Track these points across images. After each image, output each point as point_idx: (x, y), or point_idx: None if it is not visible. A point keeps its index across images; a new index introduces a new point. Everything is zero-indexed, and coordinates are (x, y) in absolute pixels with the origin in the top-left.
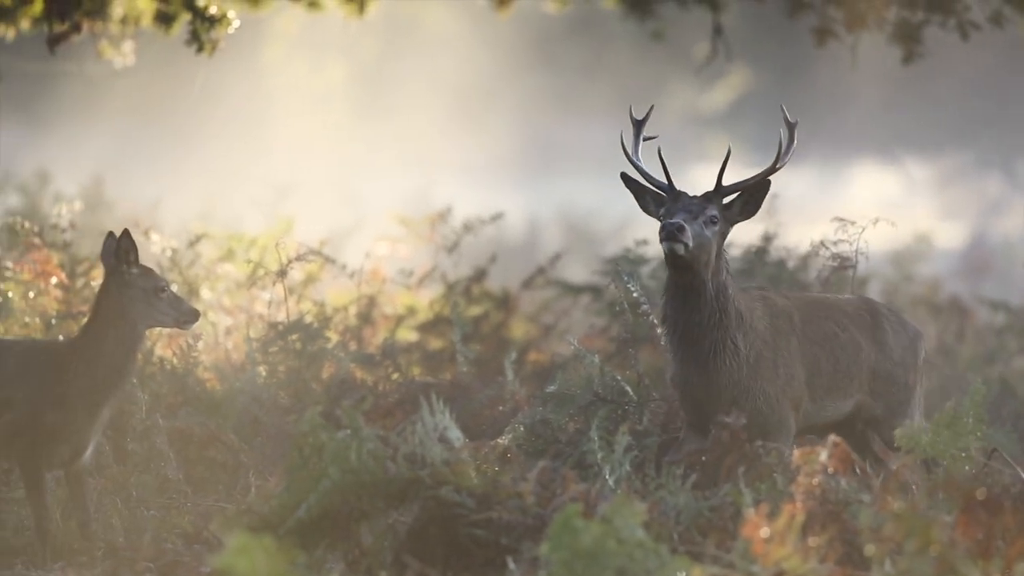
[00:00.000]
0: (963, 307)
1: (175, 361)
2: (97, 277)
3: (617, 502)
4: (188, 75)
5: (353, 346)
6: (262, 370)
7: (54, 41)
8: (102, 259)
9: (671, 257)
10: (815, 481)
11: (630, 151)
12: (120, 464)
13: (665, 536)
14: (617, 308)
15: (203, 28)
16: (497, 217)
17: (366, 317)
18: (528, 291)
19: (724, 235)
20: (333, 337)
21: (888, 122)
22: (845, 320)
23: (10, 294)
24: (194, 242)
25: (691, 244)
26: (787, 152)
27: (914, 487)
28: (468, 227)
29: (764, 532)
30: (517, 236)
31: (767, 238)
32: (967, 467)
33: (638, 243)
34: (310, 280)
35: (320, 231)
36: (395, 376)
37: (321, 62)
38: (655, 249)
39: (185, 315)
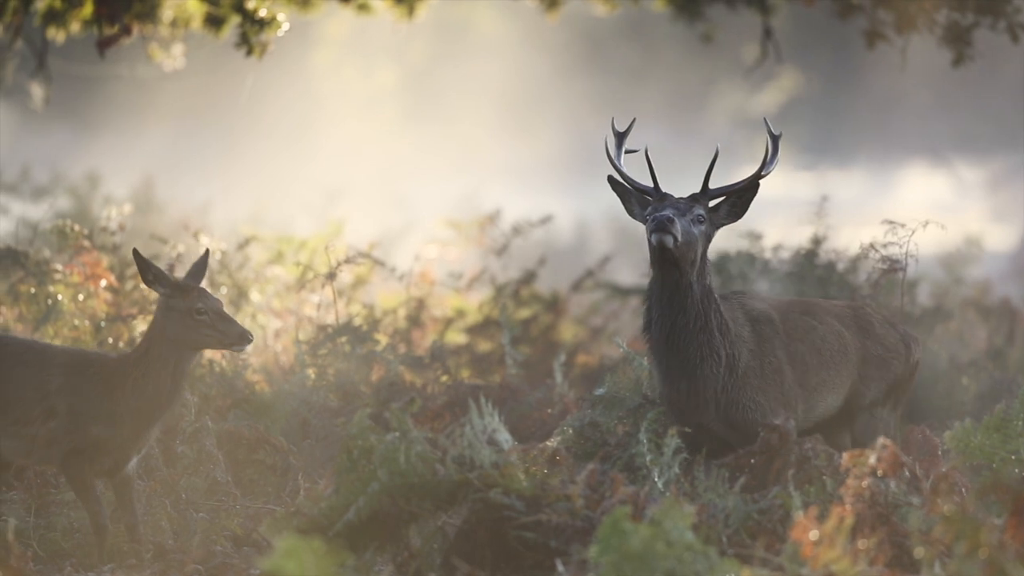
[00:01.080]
0: (1013, 310)
1: (224, 364)
2: None
3: (666, 505)
4: (237, 78)
5: (402, 349)
6: (311, 373)
7: (104, 44)
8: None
9: (659, 251)
10: (864, 484)
11: (613, 159)
12: (169, 467)
13: (714, 539)
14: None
15: (252, 31)
16: (546, 220)
17: (415, 320)
18: (577, 293)
19: (709, 237)
20: (382, 340)
21: (938, 124)
22: (824, 315)
23: (60, 296)
24: (244, 245)
25: (680, 238)
26: (771, 161)
27: (963, 490)
28: (517, 230)
29: (813, 535)
30: (566, 239)
31: (817, 241)
32: (1016, 470)
33: None
34: (359, 283)
35: (370, 234)
36: (444, 378)
37: (371, 66)
38: None
39: (231, 338)
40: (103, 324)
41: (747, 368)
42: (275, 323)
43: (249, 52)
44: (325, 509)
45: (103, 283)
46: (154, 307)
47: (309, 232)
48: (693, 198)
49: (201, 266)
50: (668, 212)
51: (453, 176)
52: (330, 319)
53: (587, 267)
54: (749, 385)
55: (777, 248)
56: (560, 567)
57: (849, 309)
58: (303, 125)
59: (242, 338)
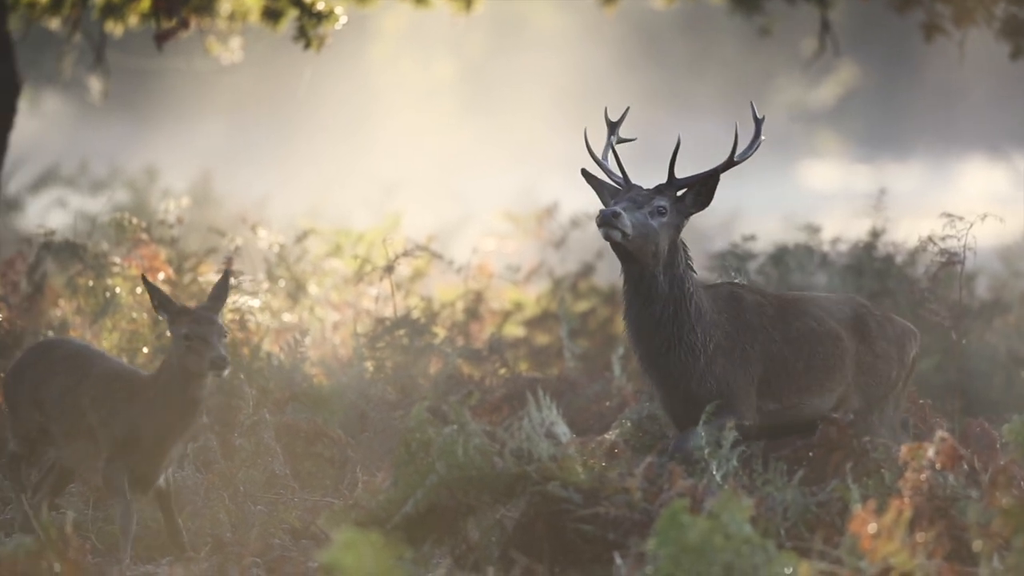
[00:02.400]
0: None
1: (282, 357)
2: (204, 272)
3: (724, 497)
4: (295, 71)
5: (460, 341)
6: (369, 365)
7: (162, 37)
8: None
9: (611, 245)
10: (923, 477)
11: (600, 151)
12: (228, 459)
13: (772, 532)
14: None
15: (310, 24)
16: None
17: (473, 312)
18: None
19: (678, 227)
20: (440, 332)
21: (997, 117)
22: (823, 314)
23: (118, 290)
24: (302, 238)
25: (630, 232)
26: (750, 147)
27: (1022, 483)
28: (575, 222)
29: (872, 528)
30: None
31: (875, 234)
32: None
33: (745, 238)
34: (417, 275)
35: (428, 227)
36: (502, 371)
37: (428, 58)
38: (763, 244)
39: (205, 363)
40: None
41: (716, 348)
42: (333, 316)
43: (307, 45)
44: (383, 502)
45: (161, 276)
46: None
47: (367, 225)
48: (658, 189)
49: (221, 287)
50: (618, 206)
51: (511, 169)
52: (388, 312)
53: None
54: (715, 363)
55: (835, 241)
56: (618, 560)
57: (848, 308)
58: (360, 118)
59: (213, 364)
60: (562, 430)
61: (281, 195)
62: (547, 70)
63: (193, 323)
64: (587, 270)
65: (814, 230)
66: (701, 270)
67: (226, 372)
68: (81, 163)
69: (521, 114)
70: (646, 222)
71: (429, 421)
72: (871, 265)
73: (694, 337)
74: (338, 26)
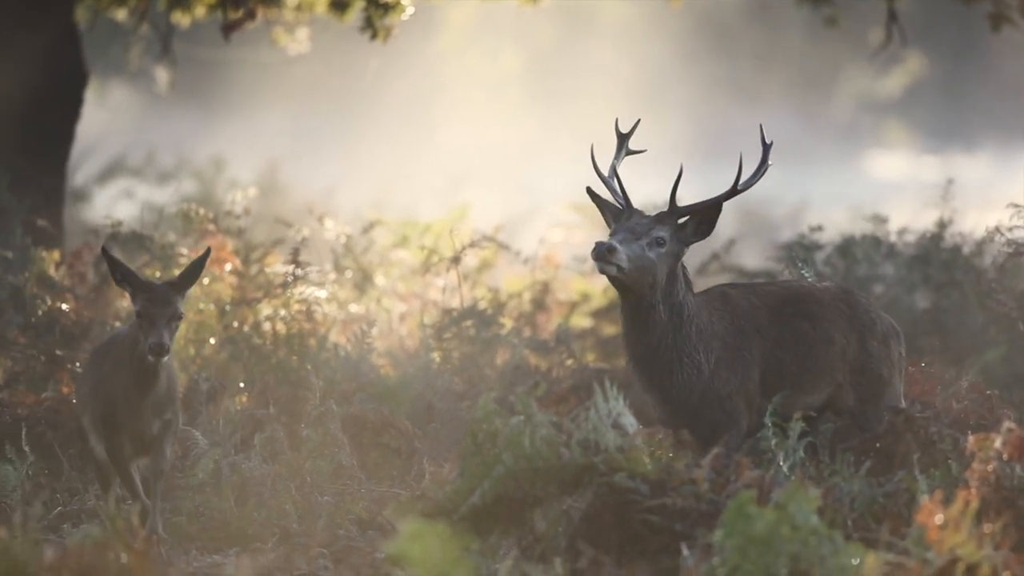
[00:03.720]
0: None
1: (349, 348)
2: (271, 263)
3: (791, 488)
4: (362, 62)
5: (527, 332)
6: (436, 356)
7: (229, 28)
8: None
9: (608, 278)
10: (990, 467)
11: (608, 164)
12: (295, 450)
13: (839, 522)
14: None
15: (377, 15)
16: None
17: (540, 303)
18: (702, 277)
19: (677, 256)
20: (507, 323)
21: None
22: (819, 312)
23: None
24: (368, 229)
25: (626, 266)
26: (756, 174)
27: None
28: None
29: (939, 519)
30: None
31: (942, 224)
32: None
33: (813, 229)
34: (484, 266)
35: (494, 217)
36: (569, 362)
37: (495, 50)
38: (829, 235)
39: (145, 346)
40: (228, 308)
41: (717, 362)
42: (400, 307)
43: (373, 36)
44: (450, 493)
45: (228, 267)
46: (278, 291)
47: (434, 216)
48: (658, 218)
49: (196, 267)
50: (615, 238)
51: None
52: (455, 303)
53: (713, 250)
54: (717, 377)
55: (902, 232)
56: (685, 551)
57: (844, 305)
58: (427, 109)
59: (151, 349)
60: (629, 421)
61: (348, 186)
62: (613, 62)
63: (147, 302)
64: None
65: (881, 221)
66: (767, 261)
67: (164, 359)
68: (148, 154)
69: (588, 105)
70: (643, 254)
71: (496, 412)
72: (938, 256)
73: (696, 357)
74: (404, 17)
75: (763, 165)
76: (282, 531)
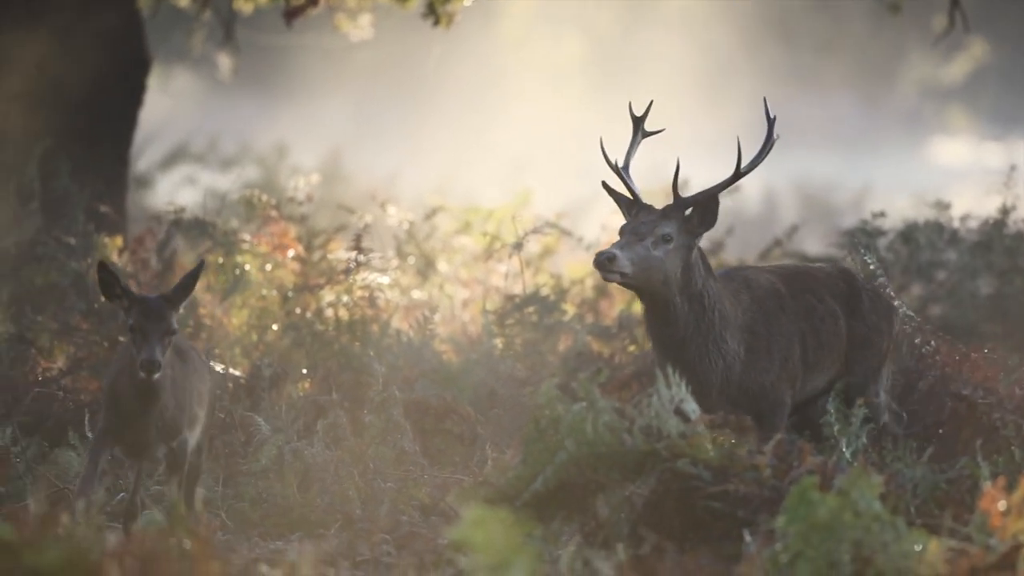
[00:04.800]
0: None
1: (412, 334)
2: (334, 250)
3: (853, 474)
4: (424, 48)
5: (589, 318)
6: (498, 342)
7: (291, 15)
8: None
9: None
10: None
11: (625, 152)
12: (357, 436)
13: (901, 509)
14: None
15: (439, 1)
16: (733, 189)
17: (602, 289)
18: (765, 262)
19: (689, 248)
20: (569, 309)
21: None
22: (821, 290)
23: (247, 267)
24: (431, 215)
25: (629, 271)
26: (762, 151)
27: None
28: None
29: (1001, 505)
30: (754, 208)
31: (1005, 211)
32: None
33: (875, 215)
34: (547, 252)
35: (557, 204)
36: (631, 348)
37: (558, 36)
38: (892, 221)
39: (136, 361)
40: (290, 294)
41: (749, 351)
42: (462, 293)
43: (436, 22)
44: (512, 479)
45: (291, 253)
46: (340, 278)
47: (496, 202)
48: (664, 213)
49: (189, 280)
50: (616, 245)
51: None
52: (517, 289)
53: (775, 236)
54: (754, 368)
55: (965, 218)
56: (747, 537)
57: (843, 283)
58: (489, 95)
59: (143, 365)
60: (691, 407)
61: (410, 172)
62: (676, 48)
63: (141, 316)
64: (717, 247)
65: (944, 207)
66: (830, 247)
67: (155, 376)
68: (211, 140)
69: (649, 92)
70: (647, 255)
71: (558, 398)
72: (1001, 242)
73: (724, 344)
74: (467, 3)
75: (768, 142)
76: (345, 517)
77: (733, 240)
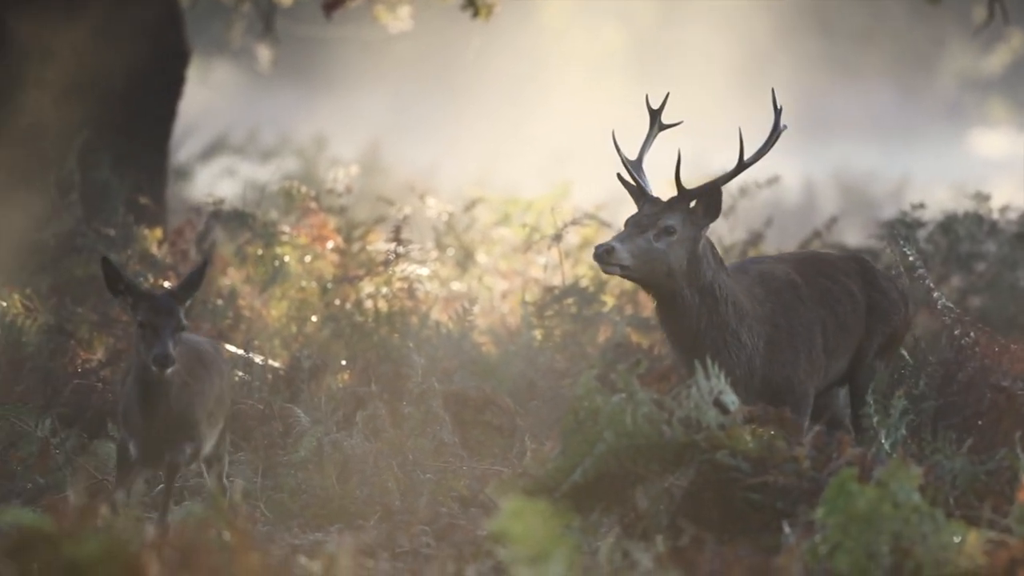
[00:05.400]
0: None
1: (451, 325)
2: (373, 241)
3: (893, 466)
4: (464, 39)
5: (629, 310)
6: (538, 334)
7: (330, 6)
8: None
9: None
10: None
11: (640, 144)
12: (396, 428)
13: (941, 500)
14: (893, 271)
15: None
16: (772, 181)
17: None
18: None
19: (695, 239)
20: (609, 301)
21: None
22: (835, 272)
23: (287, 258)
24: (470, 207)
25: (629, 263)
26: (768, 141)
27: None
28: (743, 191)
29: None
30: (793, 199)
31: None
32: None
33: (914, 206)
34: (586, 244)
35: (596, 195)
36: None
37: (598, 27)
38: (931, 213)
39: (148, 357)
40: (329, 286)
41: (770, 344)
42: (502, 285)
43: (475, 14)
44: (551, 470)
45: (330, 245)
46: (379, 269)
47: (536, 194)
48: (668, 205)
49: (196, 276)
50: (615, 238)
51: (679, 138)
52: (557, 281)
53: (814, 228)
54: (777, 360)
55: (1004, 209)
56: (787, 528)
57: (855, 263)
58: (529, 86)
59: (155, 360)
60: (730, 399)
61: (449, 164)
62: (714, 40)
63: (150, 311)
64: (756, 238)
65: (983, 198)
66: (869, 239)
67: (169, 371)
68: (250, 132)
69: (689, 83)
70: (649, 247)
71: (597, 389)
72: None
73: (740, 337)
74: None
75: (774, 132)
76: (384, 508)
77: (772, 231)
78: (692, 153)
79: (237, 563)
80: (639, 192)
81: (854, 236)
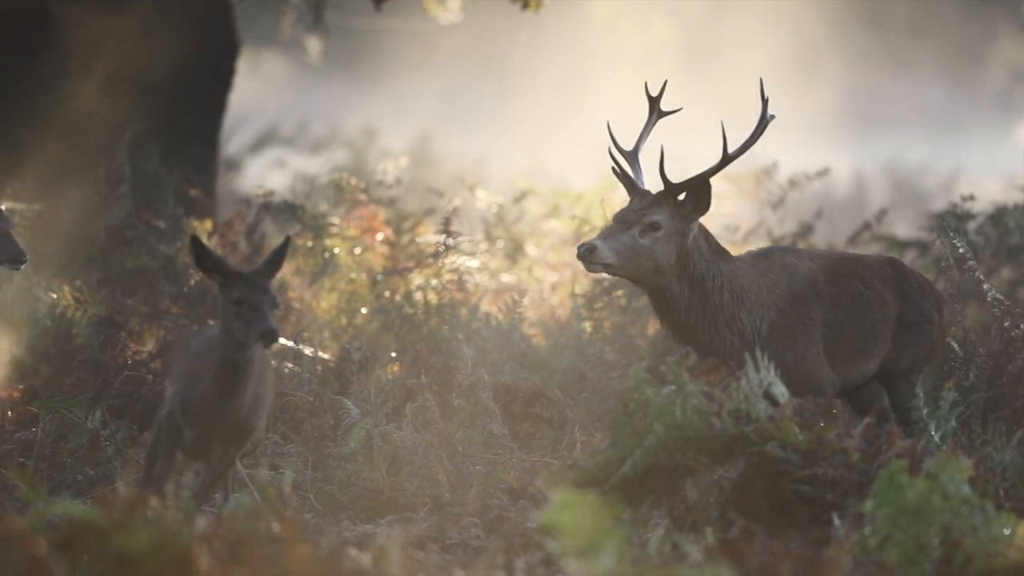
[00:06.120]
0: None
1: (501, 317)
2: (422, 233)
3: (943, 458)
4: (513, 31)
5: None
6: (587, 326)
7: None
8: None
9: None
10: None
11: (614, 143)
12: (446, 420)
13: (991, 492)
14: (943, 263)
15: None
16: (823, 173)
17: None
18: (854, 246)
19: (683, 233)
20: None
21: None
22: (869, 275)
23: (336, 250)
24: (520, 198)
25: (613, 261)
26: (754, 134)
27: None
28: (793, 183)
29: None
30: (843, 191)
31: None
32: None
33: (965, 198)
34: None
35: (646, 187)
36: None
37: (647, 19)
38: (982, 205)
39: (253, 334)
40: (379, 278)
41: (772, 328)
42: (551, 276)
43: (525, 6)
44: (601, 462)
45: (380, 236)
46: (429, 261)
47: (585, 185)
48: (656, 199)
49: (279, 255)
50: (598, 237)
51: (730, 130)
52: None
53: (864, 220)
54: (776, 344)
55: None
56: (836, 521)
57: (890, 268)
58: (578, 78)
59: (263, 335)
60: (780, 391)
61: (499, 155)
62: (763, 33)
63: (246, 288)
64: (805, 230)
65: None
66: (920, 231)
67: (275, 345)
68: (300, 123)
69: (739, 75)
70: (633, 244)
71: (647, 382)
72: None
73: (738, 323)
74: None
75: (761, 124)
76: (433, 500)
77: (822, 223)
78: (743, 141)
79: (287, 555)
80: (630, 185)
81: (904, 228)
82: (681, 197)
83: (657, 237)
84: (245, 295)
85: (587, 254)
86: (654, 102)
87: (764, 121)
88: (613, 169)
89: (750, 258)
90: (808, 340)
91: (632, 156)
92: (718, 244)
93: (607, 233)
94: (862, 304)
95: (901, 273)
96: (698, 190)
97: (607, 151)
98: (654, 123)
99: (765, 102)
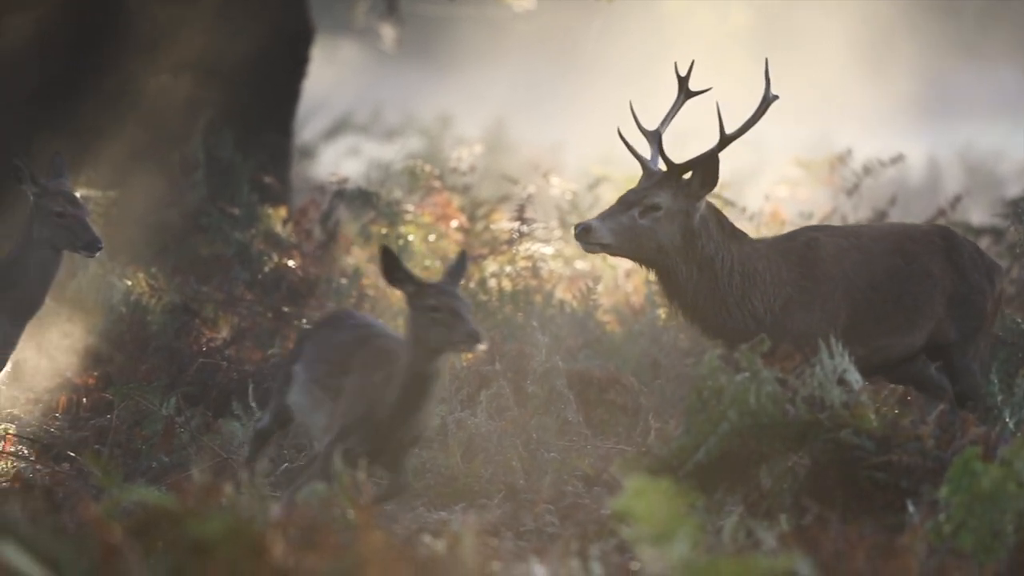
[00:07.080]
0: None
1: (575, 304)
2: (496, 220)
3: (1017, 445)
4: (588, 17)
5: None
6: (662, 313)
7: None
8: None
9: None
10: None
11: (664, 114)
12: (520, 407)
13: None
14: (1018, 250)
15: None
16: (897, 159)
17: None
18: None
19: (688, 213)
20: None
21: None
22: (913, 248)
23: (411, 237)
24: (594, 185)
25: (611, 241)
26: (757, 113)
27: None
28: (868, 169)
29: None
30: (918, 178)
31: None
32: None
33: None
34: None
35: (720, 173)
36: None
37: (724, 6)
38: None
39: (458, 336)
40: None
41: (786, 304)
42: (625, 263)
43: None
44: (675, 449)
45: (454, 223)
46: (503, 248)
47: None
48: (659, 181)
49: (460, 266)
50: (596, 217)
51: (805, 117)
52: None
53: (939, 206)
54: (790, 317)
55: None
56: (911, 507)
57: (940, 238)
58: (653, 65)
59: (469, 336)
60: (854, 377)
61: (573, 142)
62: (841, 19)
63: (445, 296)
64: (880, 217)
65: None
66: (994, 217)
67: (482, 347)
68: (374, 111)
69: (816, 62)
70: (632, 225)
71: (721, 369)
72: None
73: (749, 304)
74: None
75: (763, 103)
76: (508, 487)
77: (896, 210)
78: (820, 133)
79: (361, 542)
80: (643, 164)
81: (978, 215)
82: (687, 176)
83: (657, 217)
84: (444, 302)
85: (583, 234)
86: (683, 81)
87: (767, 101)
88: (629, 148)
89: (774, 239)
90: (827, 317)
91: (654, 137)
92: (732, 226)
93: (606, 214)
94: (900, 280)
95: (952, 243)
96: (704, 167)
97: (680, 138)
98: (681, 103)
99: (768, 82)
